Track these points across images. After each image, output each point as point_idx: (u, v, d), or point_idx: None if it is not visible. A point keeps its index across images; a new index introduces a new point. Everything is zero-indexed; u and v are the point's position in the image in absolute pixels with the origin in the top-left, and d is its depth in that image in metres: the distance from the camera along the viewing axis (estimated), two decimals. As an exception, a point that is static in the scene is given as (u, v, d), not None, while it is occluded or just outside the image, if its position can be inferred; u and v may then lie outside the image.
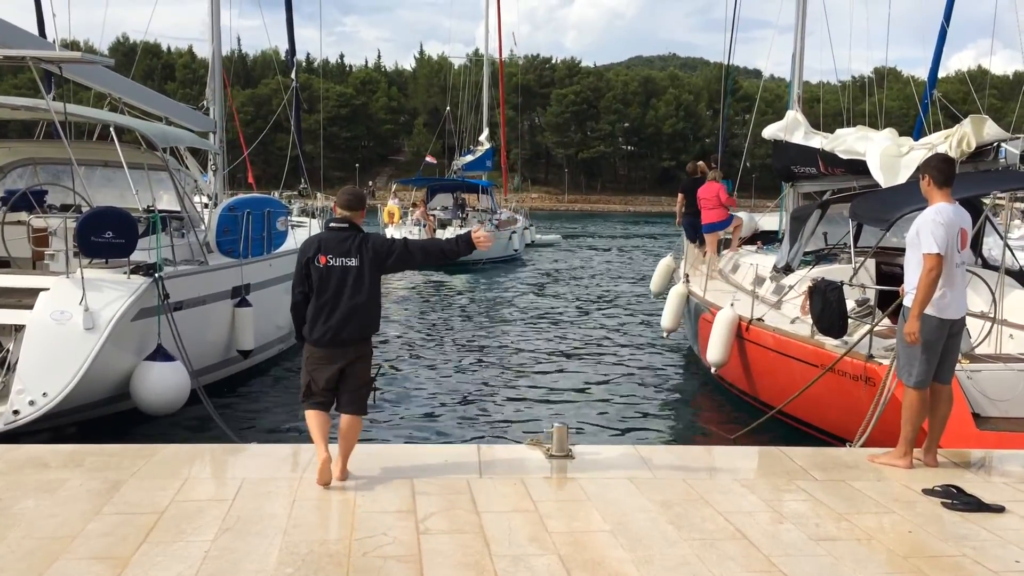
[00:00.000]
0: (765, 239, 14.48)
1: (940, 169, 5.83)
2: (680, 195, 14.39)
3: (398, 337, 15.21)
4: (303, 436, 9.08)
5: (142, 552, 4.13)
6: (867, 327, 7.51)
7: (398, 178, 53.48)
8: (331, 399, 5.27)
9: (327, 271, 5.08)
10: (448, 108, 46.57)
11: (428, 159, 46.26)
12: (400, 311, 18.66)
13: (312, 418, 5.24)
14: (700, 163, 14.58)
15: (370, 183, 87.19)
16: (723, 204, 13.29)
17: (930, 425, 5.97)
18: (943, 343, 5.79)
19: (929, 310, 5.67)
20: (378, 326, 5.28)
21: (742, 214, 14.80)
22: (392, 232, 27.72)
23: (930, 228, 5.59)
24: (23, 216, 9.66)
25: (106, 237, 8.34)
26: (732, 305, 10.01)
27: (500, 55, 40.98)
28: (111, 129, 9.98)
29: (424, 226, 29.14)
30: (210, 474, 5.55)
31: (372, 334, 5.28)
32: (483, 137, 40.74)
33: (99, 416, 8.45)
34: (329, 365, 5.16)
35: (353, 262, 5.08)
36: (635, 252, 38.37)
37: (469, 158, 39.10)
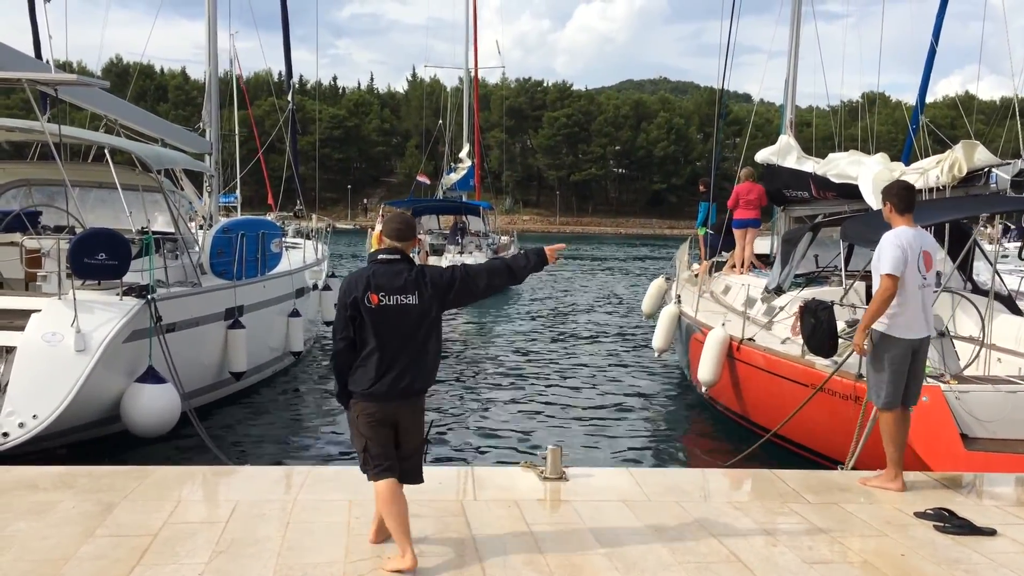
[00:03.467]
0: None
1: (901, 196, 5.99)
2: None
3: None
4: (296, 458, 9.12)
5: (135, 575, 4.11)
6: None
7: (391, 200, 51.36)
8: (396, 462, 4.45)
9: (381, 312, 4.30)
10: (440, 122, 44.94)
11: (420, 178, 44.11)
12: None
13: (387, 495, 4.32)
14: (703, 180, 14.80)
15: (364, 200, 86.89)
16: (762, 205, 13.54)
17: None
18: (908, 364, 5.88)
19: (893, 331, 5.79)
20: (435, 376, 4.58)
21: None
22: None
23: (888, 250, 5.77)
24: (16, 237, 9.65)
25: (99, 259, 8.33)
26: (723, 325, 10.05)
27: (475, 66, 39.88)
28: (105, 151, 10.00)
29: (417, 252, 25.77)
30: (203, 496, 5.53)
31: (431, 384, 4.58)
32: (464, 154, 38.52)
33: (89, 438, 8.41)
34: (387, 423, 4.40)
35: (411, 299, 4.32)
36: (627, 273, 38.46)
37: (454, 177, 37.15)
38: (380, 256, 4.44)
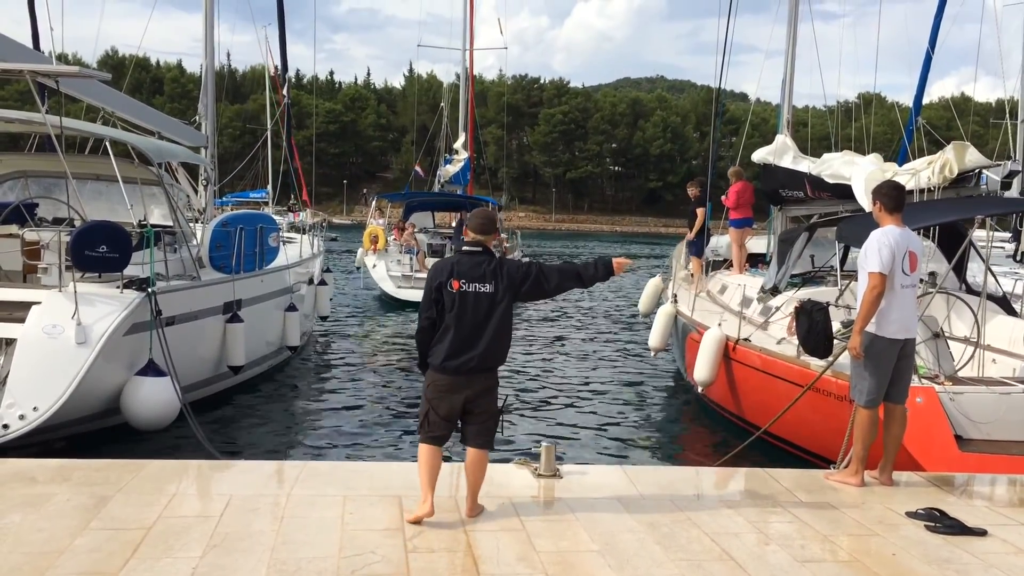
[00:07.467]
0: (752, 261, 14.58)
1: (890, 195, 6.03)
2: (701, 210, 14.16)
3: (387, 356, 15.21)
4: (291, 453, 9.14)
5: (129, 568, 4.12)
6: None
7: (384, 192, 46.06)
8: (448, 433, 5.02)
9: (460, 297, 4.85)
10: (442, 106, 41.35)
11: (416, 169, 43.27)
12: (388, 330, 18.67)
13: (425, 456, 4.96)
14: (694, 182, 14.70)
15: (364, 190, 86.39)
16: (751, 204, 13.43)
17: (884, 444, 6.09)
18: (893, 363, 5.92)
19: (877, 330, 5.83)
20: (506, 356, 5.08)
21: (722, 239, 14.90)
22: (374, 261, 23.35)
23: (876, 248, 5.80)
24: (15, 229, 9.64)
25: (100, 251, 8.32)
26: (719, 325, 10.08)
27: (471, 45, 38.70)
28: (105, 143, 9.98)
29: (416, 253, 23.95)
30: (197, 490, 5.54)
31: (500, 364, 5.08)
32: (459, 144, 36.26)
33: (89, 431, 8.41)
34: (453, 395, 4.92)
35: (487, 288, 4.87)
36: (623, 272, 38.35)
37: (451, 168, 35.02)
38: (465, 248, 5.02)
